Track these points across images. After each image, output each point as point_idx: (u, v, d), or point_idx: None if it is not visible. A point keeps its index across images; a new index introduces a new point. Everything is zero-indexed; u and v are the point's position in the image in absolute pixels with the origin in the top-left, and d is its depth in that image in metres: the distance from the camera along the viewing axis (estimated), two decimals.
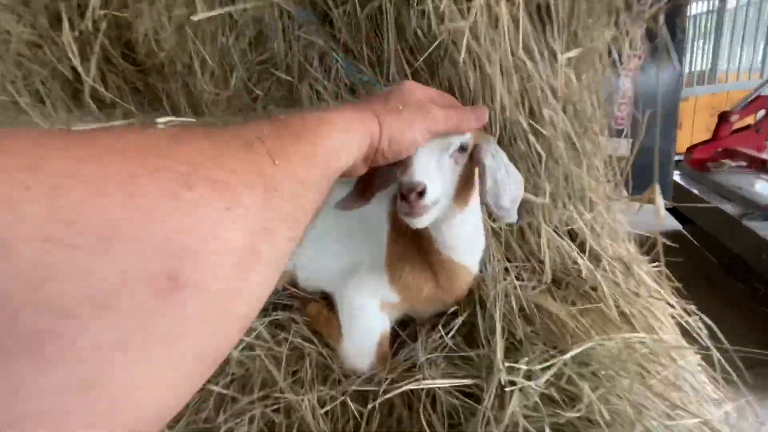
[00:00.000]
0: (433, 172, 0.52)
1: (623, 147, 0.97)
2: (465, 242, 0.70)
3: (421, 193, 0.48)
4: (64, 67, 1.08)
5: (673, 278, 0.82)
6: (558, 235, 0.79)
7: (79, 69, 1.04)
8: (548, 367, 0.59)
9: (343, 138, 0.37)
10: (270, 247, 0.27)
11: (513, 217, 0.60)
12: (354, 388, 0.69)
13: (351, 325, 0.74)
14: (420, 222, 0.52)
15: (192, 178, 0.23)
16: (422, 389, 0.65)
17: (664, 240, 0.72)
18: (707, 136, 3.17)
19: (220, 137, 0.27)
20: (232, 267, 0.24)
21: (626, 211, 0.84)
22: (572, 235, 0.80)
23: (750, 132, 3.07)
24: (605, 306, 0.73)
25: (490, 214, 0.78)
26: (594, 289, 0.77)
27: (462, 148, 0.56)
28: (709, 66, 4.20)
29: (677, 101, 1.19)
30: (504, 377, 0.58)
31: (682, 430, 0.54)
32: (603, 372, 0.59)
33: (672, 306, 0.74)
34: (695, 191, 2.71)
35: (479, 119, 0.54)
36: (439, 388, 0.61)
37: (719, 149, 3.13)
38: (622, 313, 0.75)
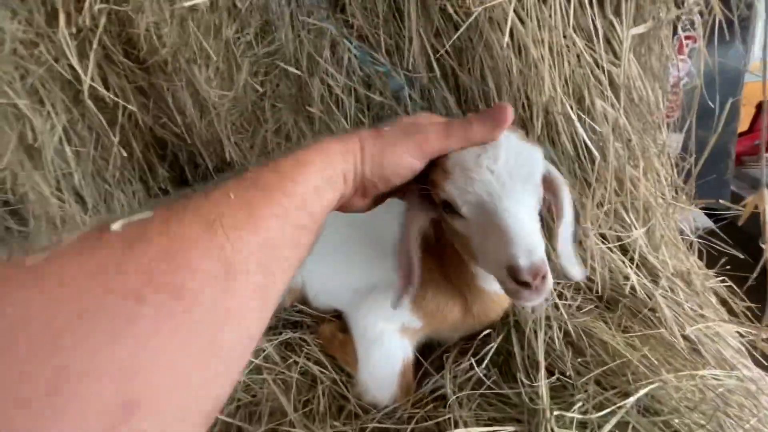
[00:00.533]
0: (537, 229, 0.42)
1: (673, 143, 0.85)
2: None
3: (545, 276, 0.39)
4: (62, 66, 1.02)
5: (744, 297, 0.70)
6: (608, 247, 0.68)
7: (77, 67, 0.97)
8: (607, 414, 0.49)
9: (324, 175, 0.36)
10: (233, 330, 0.27)
11: (580, 272, 0.51)
12: (373, 425, 0.60)
13: (369, 354, 0.65)
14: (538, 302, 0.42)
15: (145, 290, 0.23)
16: (452, 427, 0.55)
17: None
18: (743, 128, 2.96)
19: (179, 226, 0.27)
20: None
21: (685, 218, 0.72)
22: (624, 248, 0.69)
23: None
24: (668, 332, 0.62)
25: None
26: (652, 310, 0.66)
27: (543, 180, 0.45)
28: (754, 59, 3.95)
29: (740, 89, 1.06)
30: (552, 426, 0.48)
31: None
32: (677, 421, 0.48)
33: (743, 333, 0.62)
34: (732, 187, 2.53)
35: (499, 121, 0.43)
36: None
37: (756, 141, 2.92)
38: (685, 339, 0.64)
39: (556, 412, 0.48)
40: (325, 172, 0.37)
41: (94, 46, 1.01)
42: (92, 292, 0.22)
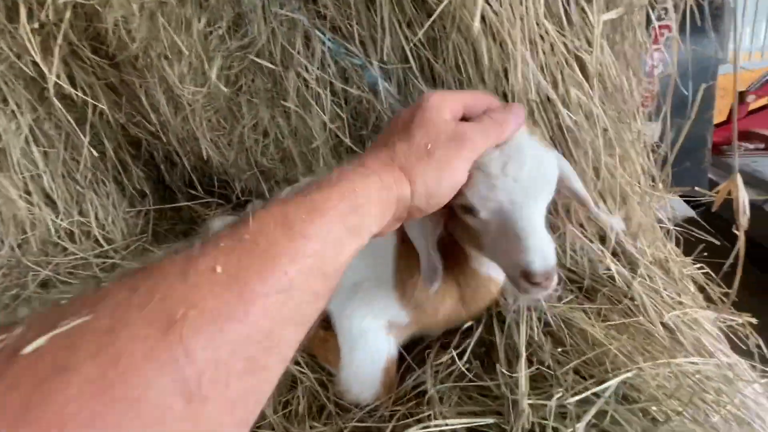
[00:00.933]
0: (548, 233, 0.44)
1: (650, 132, 0.85)
2: None
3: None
4: (25, 63, 0.98)
5: (722, 283, 0.70)
6: (587, 237, 0.67)
7: (41, 64, 0.93)
8: (585, 403, 0.49)
9: (347, 224, 0.29)
10: None
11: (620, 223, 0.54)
12: (354, 424, 0.59)
13: (352, 352, 0.63)
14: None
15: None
16: (433, 427, 0.55)
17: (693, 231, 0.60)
18: (721, 118, 3.03)
19: (126, 336, 0.19)
20: None
21: (663, 206, 0.72)
22: (603, 237, 0.69)
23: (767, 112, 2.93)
24: (646, 319, 0.62)
25: None
26: (631, 299, 0.66)
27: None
28: (730, 48, 4.04)
29: (714, 78, 1.07)
30: (529, 418, 0.47)
31: None
32: (654, 408, 0.48)
33: (728, 319, 0.62)
34: (711, 176, 2.58)
35: (518, 119, 0.44)
36: (452, 429, 0.51)
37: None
38: (664, 327, 0.64)
39: (530, 401, 0.48)
40: (349, 219, 0.29)
41: (59, 41, 0.97)
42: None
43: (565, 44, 0.50)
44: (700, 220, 0.83)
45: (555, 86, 0.52)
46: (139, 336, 0.20)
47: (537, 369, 0.56)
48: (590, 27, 0.49)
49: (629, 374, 0.49)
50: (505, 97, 0.56)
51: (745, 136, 2.90)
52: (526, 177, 0.43)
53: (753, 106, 2.87)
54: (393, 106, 0.77)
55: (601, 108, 0.56)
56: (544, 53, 0.54)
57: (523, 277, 0.42)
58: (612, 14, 0.48)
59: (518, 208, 0.43)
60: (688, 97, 0.73)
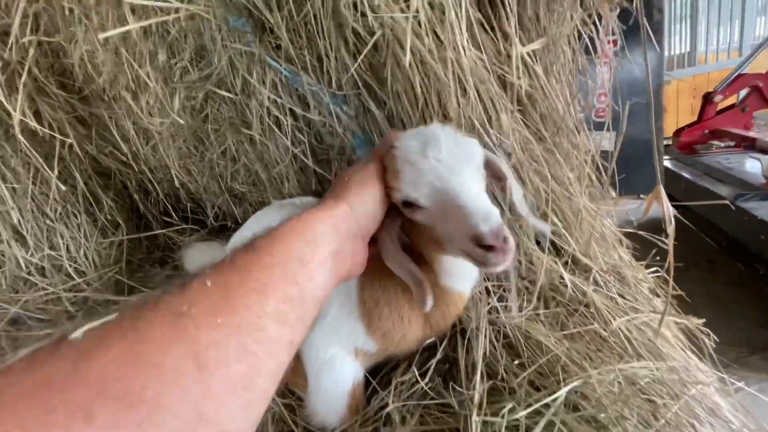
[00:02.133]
0: (488, 199, 0.46)
1: (607, 141, 0.89)
2: (460, 268, 0.59)
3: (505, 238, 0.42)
4: None
5: (676, 287, 0.72)
6: (540, 248, 0.69)
7: (5, 103, 0.94)
8: (538, 415, 0.50)
9: (304, 239, 0.36)
10: None
11: (547, 227, 0.55)
12: None
13: (319, 379, 0.64)
14: (506, 266, 0.44)
15: (94, 403, 0.22)
16: None
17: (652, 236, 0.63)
18: (692, 118, 3.12)
19: (146, 326, 0.26)
20: None
21: (614, 212, 0.75)
22: (556, 247, 0.71)
23: (736, 111, 3.04)
24: (599, 326, 0.64)
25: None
26: (587, 306, 0.68)
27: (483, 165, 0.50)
28: (689, 48, 4.19)
29: (660, 86, 1.11)
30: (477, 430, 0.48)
31: None
32: (603, 415, 0.49)
33: (682, 322, 0.64)
34: (686, 175, 2.65)
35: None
36: None
37: (706, 131, 3.09)
38: (619, 332, 0.66)
39: (479, 418, 0.49)
40: (305, 236, 0.37)
41: (23, 79, 0.98)
42: (33, 411, 0.20)
43: (494, 72, 0.52)
44: (681, 217, 0.85)
45: (486, 112, 0.54)
46: (155, 323, 0.26)
47: (492, 383, 0.57)
48: (517, 56, 0.52)
49: (576, 383, 0.50)
50: (444, 117, 0.58)
51: (716, 134, 2.99)
52: (446, 154, 0.47)
53: (721, 105, 2.98)
54: (351, 128, 0.79)
55: (539, 127, 0.58)
56: (475, 80, 0.57)
57: (475, 244, 0.42)
58: (535, 45, 0.51)
59: (448, 182, 0.46)
60: (641, 105, 0.77)
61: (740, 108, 2.96)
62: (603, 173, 0.74)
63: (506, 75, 0.54)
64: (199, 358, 0.25)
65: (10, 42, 0.97)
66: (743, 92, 2.97)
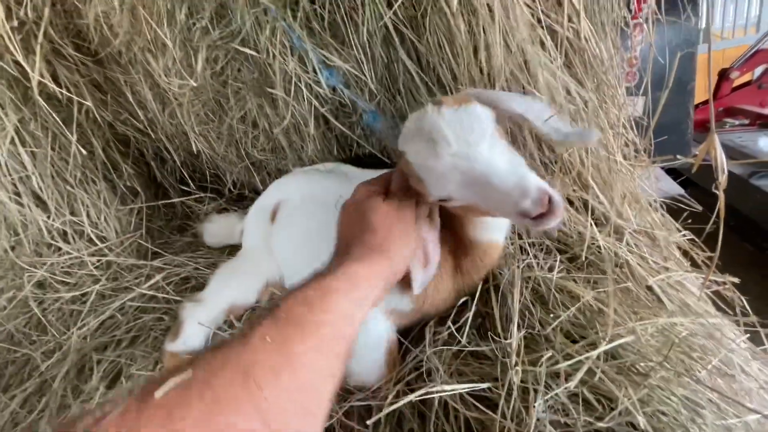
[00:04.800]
0: (518, 161, 0.45)
1: (637, 106, 0.87)
2: (491, 220, 0.57)
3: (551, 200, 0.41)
4: (7, 62, 0.96)
5: (705, 248, 0.72)
6: (574, 207, 0.69)
7: (23, 63, 0.92)
8: (575, 365, 0.50)
9: (351, 298, 0.40)
10: None
11: (591, 133, 0.48)
12: (354, 403, 0.60)
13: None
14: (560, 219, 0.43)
15: None
16: (434, 397, 0.56)
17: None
18: (706, 96, 3.06)
19: (219, 385, 0.29)
20: None
21: (649, 176, 0.74)
22: (589, 207, 0.70)
23: (752, 88, 2.97)
24: (633, 285, 0.64)
25: None
26: (617, 266, 0.68)
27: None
28: (704, 24, 4.08)
29: (694, 54, 1.09)
30: (517, 380, 0.49)
31: (741, 427, 0.45)
32: (642, 364, 0.50)
33: (714, 281, 0.64)
34: (694, 150, 2.62)
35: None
36: (450, 396, 0.52)
37: (720, 108, 3.03)
38: (650, 290, 0.66)
39: (522, 367, 0.50)
40: (352, 294, 0.40)
41: (39, 39, 0.96)
42: None
43: (538, 18, 0.51)
44: (687, 196, 0.85)
45: (525, 61, 0.53)
46: (226, 384, 0.29)
47: (527, 332, 0.57)
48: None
49: (621, 332, 0.50)
50: (480, 72, 0.57)
51: (730, 112, 2.94)
52: (457, 143, 0.45)
53: (737, 82, 2.91)
54: (361, 104, 0.78)
55: (581, 79, 0.57)
56: (520, 26, 0.55)
57: (525, 217, 0.42)
58: None
59: (472, 170, 0.44)
60: (667, 71, 0.75)
61: (756, 85, 2.89)
62: (636, 135, 0.73)
63: (553, 23, 0.52)
64: (266, 420, 0.29)
65: (24, 1, 0.94)
66: (760, 69, 2.90)
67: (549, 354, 0.50)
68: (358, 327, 0.40)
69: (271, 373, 0.30)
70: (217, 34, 0.91)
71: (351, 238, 0.48)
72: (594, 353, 0.49)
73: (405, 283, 0.64)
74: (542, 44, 0.57)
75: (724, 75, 2.92)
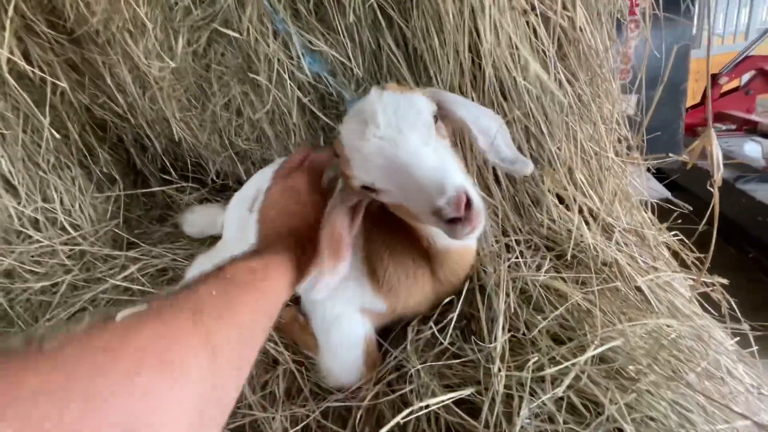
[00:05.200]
0: (450, 161, 0.44)
1: (630, 104, 0.85)
2: None
3: (468, 203, 0.39)
4: None
5: (693, 248, 0.71)
6: (564, 205, 0.67)
7: None
8: (562, 370, 0.48)
9: (286, 280, 0.45)
10: (216, 404, 0.33)
11: (527, 163, 0.47)
12: (331, 404, 0.58)
13: (329, 337, 0.62)
14: (479, 230, 0.41)
15: (141, 367, 0.28)
16: (415, 398, 0.54)
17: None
18: (694, 101, 3.09)
19: (171, 315, 0.32)
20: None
21: (640, 174, 0.72)
22: (579, 207, 0.69)
23: (739, 94, 3.01)
24: (622, 284, 0.63)
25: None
26: (606, 264, 0.66)
27: (435, 118, 0.45)
28: (694, 31, 4.12)
29: (688, 53, 1.08)
30: (501, 387, 0.47)
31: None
32: (630, 367, 0.48)
33: (703, 283, 0.63)
34: (694, 147, 2.64)
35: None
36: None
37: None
38: (638, 290, 0.65)
39: (503, 372, 0.47)
40: (287, 276, 0.45)
41: (10, 13, 0.91)
42: (99, 369, 0.26)
43: (532, 4, 0.48)
44: (673, 199, 0.83)
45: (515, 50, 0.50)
46: (176, 319, 0.33)
47: (514, 336, 0.55)
48: None
49: (615, 342, 0.48)
50: (469, 60, 0.54)
51: (718, 117, 2.97)
52: (386, 127, 0.43)
53: (726, 87, 2.95)
54: (341, 91, 0.75)
55: (575, 69, 0.55)
56: (514, 14, 0.52)
57: (439, 218, 0.39)
58: None
59: (395, 157, 0.42)
60: (661, 70, 0.73)
61: (744, 91, 2.93)
62: (629, 132, 0.71)
63: (547, 10, 0.50)
64: (211, 346, 0.33)
65: None
66: (747, 76, 2.94)
67: (535, 359, 0.48)
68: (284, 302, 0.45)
69: (216, 319, 0.34)
70: (199, 13, 0.87)
71: (288, 220, 0.52)
72: (582, 358, 0.47)
73: (377, 283, 0.62)
74: (535, 32, 0.55)
75: (713, 80, 2.95)
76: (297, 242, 0.49)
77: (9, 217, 1.04)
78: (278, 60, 0.81)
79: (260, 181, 0.93)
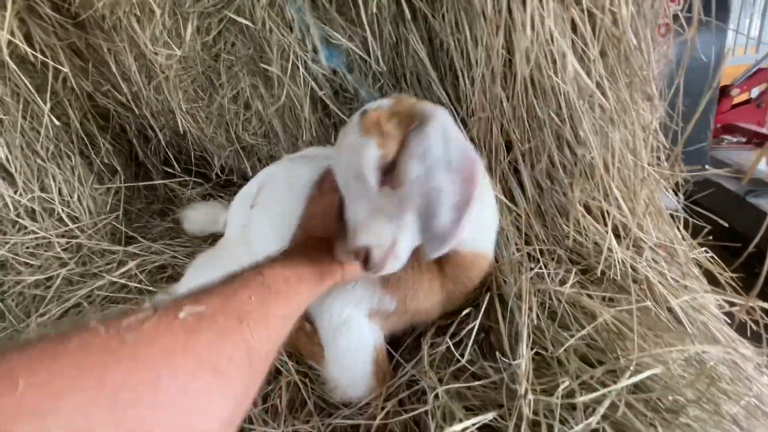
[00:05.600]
0: (373, 219, 0.46)
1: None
2: (474, 224, 0.54)
3: (366, 258, 0.45)
4: None
5: (725, 267, 0.67)
6: (592, 215, 0.63)
7: None
8: (594, 392, 0.44)
9: (314, 292, 0.47)
10: (243, 410, 0.36)
11: (441, 248, 0.44)
12: (341, 422, 0.54)
13: (336, 344, 0.58)
14: (394, 267, 0.46)
15: (198, 371, 0.31)
16: (430, 420, 0.50)
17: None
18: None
19: (222, 321, 0.35)
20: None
21: (670, 187, 0.68)
22: (606, 216, 0.64)
23: (750, 106, 2.97)
24: (652, 304, 0.59)
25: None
26: (635, 282, 0.62)
27: (386, 169, 0.46)
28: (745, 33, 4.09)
29: (721, 62, 1.03)
30: (528, 411, 0.43)
31: None
32: (670, 397, 0.44)
33: (738, 303, 0.59)
34: (752, 162, 2.60)
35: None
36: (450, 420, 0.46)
37: (719, 125, 3.03)
38: (669, 310, 0.61)
39: (532, 396, 0.43)
40: (315, 289, 0.47)
41: None
42: (165, 362, 0.30)
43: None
44: (683, 212, 0.79)
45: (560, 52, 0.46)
46: (227, 319, 0.35)
47: (537, 354, 0.51)
48: None
49: (657, 370, 0.44)
50: (509, 51, 0.50)
51: (728, 129, 2.94)
52: (343, 173, 0.49)
53: (736, 100, 2.91)
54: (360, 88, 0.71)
55: (612, 72, 0.50)
56: (552, 9, 0.48)
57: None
58: None
59: (348, 201, 0.49)
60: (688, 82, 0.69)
61: (756, 104, 2.89)
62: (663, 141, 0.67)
63: (591, 6, 0.46)
64: (250, 356, 0.36)
65: None
66: (757, 88, 2.91)
67: (565, 383, 0.44)
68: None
69: (256, 330, 0.37)
70: (210, 0, 0.83)
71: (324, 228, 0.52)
72: (619, 385, 0.43)
73: (385, 280, 0.59)
74: (573, 28, 0.51)
75: (724, 92, 2.91)
76: (324, 255, 0.50)
77: (5, 206, 0.99)
78: (292, 51, 0.77)
79: (263, 178, 0.89)
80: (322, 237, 0.52)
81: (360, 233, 0.44)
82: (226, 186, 1.27)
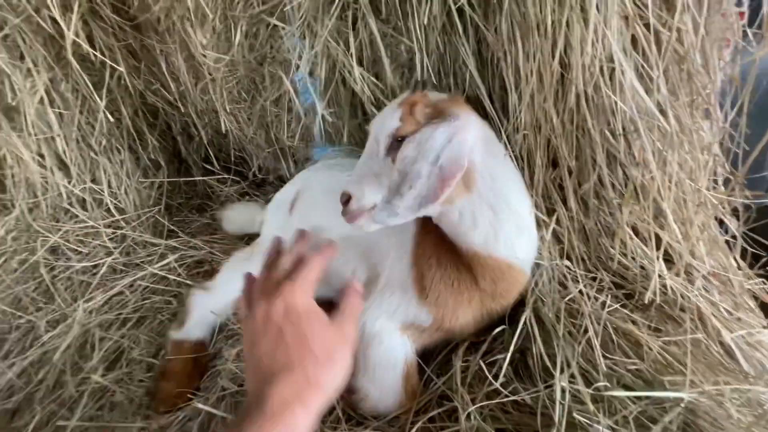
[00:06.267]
0: (367, 177, 0.55)
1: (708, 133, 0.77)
2: (490, 230, 0.55)
3: (347, 202, 0.54)
4: (43, 18, 0.93)
5: None
6: (640, 238, 0.60)
7: (59, 20, 0.88)
8: (639, 427, 0.42)
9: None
10: None
11: (391, 219, 0.52)
12: None
13: (366, 356, 0.58)
14: (359, 227, 0.55)
15: None
16: None
17: None
18: None
19: None
20: None
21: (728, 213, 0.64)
22: (658, 243, 0.61)
23: None
24: (704, 337, 0.55)
25: None
26: (683, 311, 0.59)
27: (397, 140, 0.54)
28: None
29: None
30: None
31: None
32: None
33: None
34: None
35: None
36: None
37: None
38: (721, 344, 0.57)
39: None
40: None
41: None
42: None
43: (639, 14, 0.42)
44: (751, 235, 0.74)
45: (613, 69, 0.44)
46: None
47: (580, 381, 0.49)
48: None
49: (715, 410, 0.42)
50: (563, 66, 0.49)
51: None
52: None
53: None
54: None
55: (673, 93, 0.48)
56: (616, 20, 0.46)
57: None
58: None
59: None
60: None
61: None
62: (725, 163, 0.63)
63: (657, 23, 0.44)
64: None
65: None
66: None
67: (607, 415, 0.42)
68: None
69: None
70: (260, 7, 0.85)
71: (287, 362, 0.40)
72: (667, 419, 0.41)
73: (423, 292, 0.59)
74: (634, 43, 0.49)
75: None
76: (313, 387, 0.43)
77: (59, 195, 1.06)
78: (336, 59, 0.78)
79: (300, 183, 0.91)
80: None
81: (351, 182, 0.55)
82: (261, 185, 1.30)
